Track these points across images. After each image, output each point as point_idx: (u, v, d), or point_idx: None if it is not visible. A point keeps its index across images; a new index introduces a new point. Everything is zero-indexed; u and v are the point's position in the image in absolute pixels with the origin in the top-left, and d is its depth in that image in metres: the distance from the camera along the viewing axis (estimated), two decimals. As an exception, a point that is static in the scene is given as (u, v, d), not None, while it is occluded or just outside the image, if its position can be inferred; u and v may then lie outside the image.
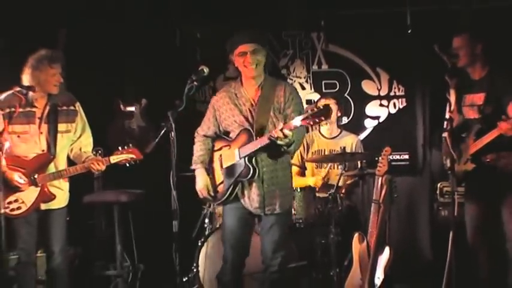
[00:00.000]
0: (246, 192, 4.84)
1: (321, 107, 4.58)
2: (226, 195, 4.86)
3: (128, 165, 5.22)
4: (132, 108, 7.29)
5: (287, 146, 4.72)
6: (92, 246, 6.74)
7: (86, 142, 5.35)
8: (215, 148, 5.03)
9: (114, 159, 5.17)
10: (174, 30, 7.21)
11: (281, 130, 4.51)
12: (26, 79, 5.06)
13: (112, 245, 6.34)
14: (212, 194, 4.95)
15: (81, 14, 6.87)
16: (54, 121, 5.17)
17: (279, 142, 4.59)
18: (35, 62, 5.06)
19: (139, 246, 6.53)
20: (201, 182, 4.96)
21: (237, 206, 4.88)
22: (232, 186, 4.83)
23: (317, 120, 4.57)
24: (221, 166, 4.93)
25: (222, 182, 4.90)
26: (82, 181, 6.14)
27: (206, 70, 4.79)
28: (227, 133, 4.97)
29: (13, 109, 5.10)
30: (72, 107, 5.29)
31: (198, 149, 5.04)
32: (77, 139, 5.32)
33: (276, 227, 4.85)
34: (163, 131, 4.75)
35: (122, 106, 7.29)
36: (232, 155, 4.84)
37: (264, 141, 4.65)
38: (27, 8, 6.50)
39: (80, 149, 5.31)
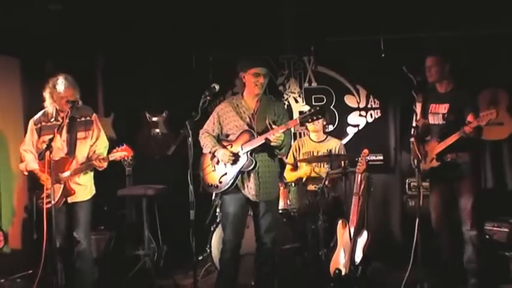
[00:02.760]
0: (245, 182, 4.85)
1: (317, 107, 4.68)
2: (230, 184, 4.84)
3: (123, 161, 5.22)
4: (157, 118, 7.32)
5: (279, 149, 4.82)
6: (124, 231, 6.74)
7: (101, 146, 5.33)
8: None
9: (111, 156, 5.16)
10: (191, 55, 7.22)
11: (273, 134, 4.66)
12: (46, 96, 5.19)
13: (141, 230, 6.32)
14: (233, 158, 4.84)
15: (116, 43, 6.90)
16: (73, 130, 5.22)
17: (272, 144, 4.70)
18: (51, 85, 5.16)
19: (163, 231, 6.53)
20: (222, 152, 4.85)
21: (237, 195, 4.86)
22: (235, 176, 4.83)
23: (315, 118, 4.69)
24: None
25: (224, 174, 4.87)
26: (116, 178, 6.19)
27: (217, 87, 4.81)
28: (227, 135, 4.96)
29: (43, 123, 5.23)
30: (89, 118, 5.32)
31: (209, 140, 4.95)
32: (93, 144, 5.32)
33: (269, 212, 4.90)
34: (182, 137, 4.78)
35: (148, 117, 7.31)
36: (235, 151, 4.85)
37: (261, 139, 4.73)
38: (72, 38, 6.53)
39: (94, 152, 5.31)
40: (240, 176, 4.84)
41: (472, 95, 5.47)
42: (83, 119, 5.28)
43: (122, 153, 5.16)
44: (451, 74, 5.41)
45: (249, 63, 4.88)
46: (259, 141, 4.76)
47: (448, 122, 5.32)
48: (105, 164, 5.17)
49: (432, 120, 5.48)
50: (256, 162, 4.79)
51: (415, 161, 5.39)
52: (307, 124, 6.39)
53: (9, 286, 6.09)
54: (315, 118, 4.70)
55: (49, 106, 5.22)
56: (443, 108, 5.38)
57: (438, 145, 5.30)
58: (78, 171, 5.18)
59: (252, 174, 4.83)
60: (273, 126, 4.82)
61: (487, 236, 5.76)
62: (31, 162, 5.25)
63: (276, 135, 4.68)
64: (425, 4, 5.86)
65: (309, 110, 4.70)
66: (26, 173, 5.33)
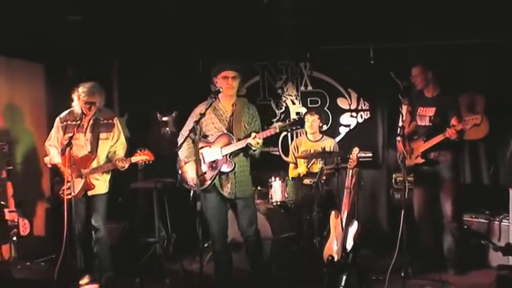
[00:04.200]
0: (222, 181, 4.83)
1: (297, 118, 4.67)
2: (209, 183, 4.81)
3: (143, 164, 5.27)
4: (166, 118, 7.33)
5: (254, 151, 4.78)
6: (137, 220, 6.77)
7: (120, 147, 5.40)
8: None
9: (133, 159, 5.23)
10: (198, 61, 7.24)
11: (254, 138, 4.62)
12: (74, 97, 5.25)
13: (152, 219, 6.36)
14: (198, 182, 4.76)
15: (130, 50, 6.92)
16: (96, 131, 5.28)
17: (253, 148, 4.68)
18: (79, 89, 5.22)
19: (172, 220, 6.55)
20: (193, 172, 4.76)
21: (215, 192, 4.85)
22: (214, 177, 4.80)
23: (294, 128, 4.65)
24: (203, 161, 4.86)
25: (203, 174, 4.82)
26: (130, 173, 6.19)
27: (222, 90, 4.82)
28: (205, 136, 4.91)
29: (69, 122, 5.29)
30: (110, 121, 5.38)
31: (187, 148, 4.87)
32: (113, 144, 5.38)
33: (247, 208, 4.91)
34: (189, 135, 4.80)
35: (159, 117, 7.33)
36: (214, 153, 4.80)
37: (243, 144, 4.70)
38: (90, 45, 6.56)
39: (115, 152, 5.36)
40: (218, 176, 4.82)
41: (455, 101, 5.52)
42: (105, 121, 5.35)
43: (143, 157, 5.24)
44: (435, 81, 5.46)
45: (219, 67, 4.85)
46: (240, 145, 4.72)
47: (434, 124, 5.37)
48: (126, 165, 5.24)
49: (420, 121, 5.54)
50: (234, 165, 4.77)
51: (401, 157, 5.44)
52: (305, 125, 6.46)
53: (35, 269, 6.14)
54: (294, 128, 4.67)
55: (76, 107, 5.28)
56: (430, 111, 5.44)
57: (424, 144, 5.35)
58: (101, 170, 5.25)
59: (229, 174, 4.81)
60: (247, 127, 4.80)
61: (465, 226, 5.79)
62: (55, 157, 5.31)
63: (256, 141, 4.65)
64: (410, 17, 5.88)
65: (289, 120, 4.67)
66: (49, 166, 5.40)
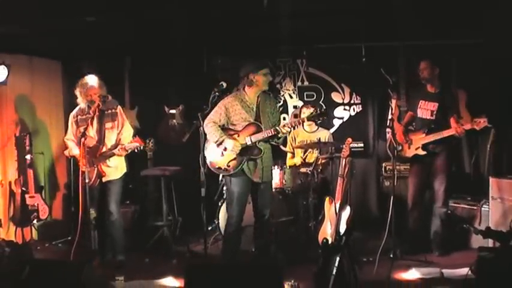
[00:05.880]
0: (250, 167, 4.87)
1: (322, 111, 5.02)
2: (238, 168, 4.84)
3: (136, 150, 5.24)
4: (174, 111, 7.30)
5: (278, 139, 4.88)
6: (146, 205, 6.76)
7: (125, 135, 5.35)
8: None
9: (127, 147, 5.19)
10: (203, 58, 7.21)
11: (285, 126, 4.75)
12: (77, 94, 5.24)
13: (160, 204, 6.35)
14: (240, 148, 4.83)
15: (141, 48, 6.90)
16: (102, 122, 5.25)
17: (280, 135, 4.78)
18: (80, 84, 5.23)
19: (178, 205, 6.53)
20: (232, 143, 4.80)
21: (241, 177, 4.87)
22: (242, 162, 4.83)
23: (321, 119, 4.92)
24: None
25: (233, 159, 4.85)
26: (140, 161, 6.19)
27: (225, 84, 4.81)
28: (232, 125, 4.92)
29: (79, 116, 5.29)
30: (114, 110, 5.33)
31: (215, 129, 4.86)
32: (119, 132, 5.34)
33: (266, 191, 4.97)
34: (194, 127, 4.78)
35: (167, 109, 7.30)
36: (242, 140, 4.84)
37: (271, 132, 4.77)
38: (104, 44, 6.54)
39: (120, 140, 5.32)
40: (246, 161, 4.85)
41: (456, 100, 5.51)
42: (109, 111, 5.31)
43: (134, 144, 5.19)
44: (440, 78, 5.42)
45: (258, 65, 4.88)
46: (269, 132, 4.78)
47: (437, 118, 5.36)
48: (124, 153, 5.21)
49: (421, 114, 5.52)
50: (262, 151, 4.83)
51: (391, 147, 5.42)
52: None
53: (53, 250, 6.17)
54: (321, 119, 4.91)
55: (81, 103, 5.26)
56: (432, 106, 5.43)
57: (426, 137, 5.34)
58: (105, 158, 5.23)
59: (257, 161, 4.86)
60: (270, 117, 4.87)
61: (449, 211, 5.77)
62: (73, 149, 5.33)
63: (286, 129, 4.75)
64: (398, 18, 5.85)
65: (315, 111, 5.11)
66: (69, 157, 5.52)
